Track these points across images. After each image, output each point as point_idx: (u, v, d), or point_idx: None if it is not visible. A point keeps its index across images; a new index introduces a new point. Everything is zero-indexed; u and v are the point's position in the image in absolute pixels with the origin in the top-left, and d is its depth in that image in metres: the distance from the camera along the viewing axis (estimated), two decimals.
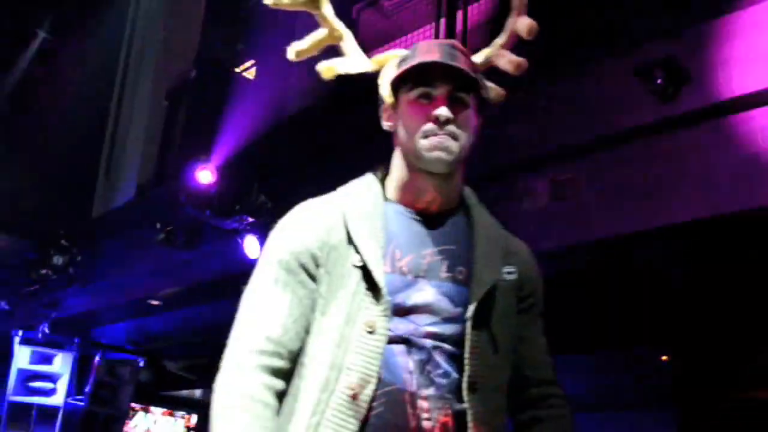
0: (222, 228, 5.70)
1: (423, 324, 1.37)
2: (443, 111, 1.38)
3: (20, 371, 7.77)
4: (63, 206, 7.98)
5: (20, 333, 7.89)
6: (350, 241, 1.39)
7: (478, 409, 1.34)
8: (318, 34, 1.62)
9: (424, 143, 1.40)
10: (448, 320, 1.38)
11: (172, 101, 7.91)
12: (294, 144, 5.65)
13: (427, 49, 1.45)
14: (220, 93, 7.31)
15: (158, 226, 6.12)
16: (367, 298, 1.35)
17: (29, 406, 7.71)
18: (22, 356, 7.80)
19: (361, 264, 1.37)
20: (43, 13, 7.80)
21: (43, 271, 7.63)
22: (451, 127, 1.39)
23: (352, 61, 1.61)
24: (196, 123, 7.47)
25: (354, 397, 1.30)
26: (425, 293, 1.38)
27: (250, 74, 7.16)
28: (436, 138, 1.39)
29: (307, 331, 1.39)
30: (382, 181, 1.51)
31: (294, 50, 1.62)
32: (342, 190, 1.50)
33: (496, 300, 1.42)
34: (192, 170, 5.45)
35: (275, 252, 1.43)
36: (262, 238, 5.44)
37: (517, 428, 1.51)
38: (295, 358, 1.38)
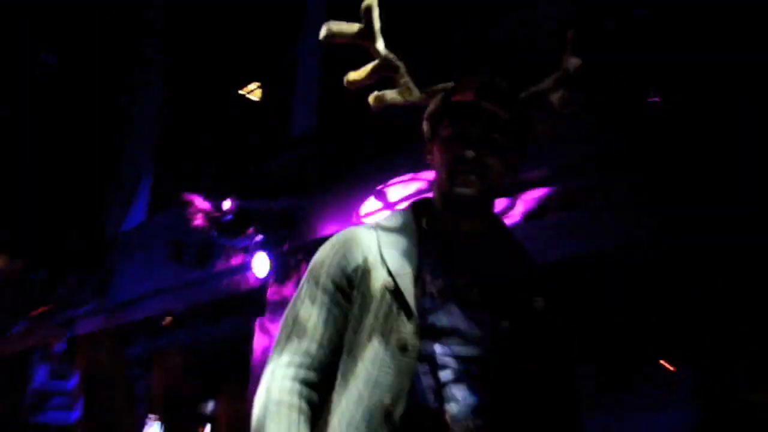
0: (232, 246, 5.66)
1: (451, 345, 1.38)
2: (470, 152, 1.41)
3: (38, 389, 7.74)
4: (78, 228, 7.95)
5: (38, 352, 7.87)
6: (384, 264, 1.42)
7: (501, 430, 1.36)
8: (372, 65, 1.63)
9: (451, 179, 1.43)
10: (475, 343, 1.39)
11: (181, 125, 7.89)
12: (303, 162, 5.62)
13: (465, 86, 1.47)
14: (226, 115, 7.29)
15: (169, 245, 6.09)
16: (399, 318, 1.38)
17: (46, 425, 7.68)
18: (40, 374, 7.78)
19: (392, 287, 1.40)
20: (50, 37, 7.78)
21: (59, 291, 7.60)
22: (479, 166, 1.42)
23: (402, 92, 1.63)
24: (206, 145, 7.45)
25: (388, 414, 1.32)
26: (454, 316, 1.40)
27: (256, 95, 7.13)
28: (463, 175, 1.42)
29: (340, 349, 1.42)
30: (424, 209, 1.55)
31: (348, 78, 1.63)
32: (383, 218, 1.55)
33: (526, 327, 1.43)
34: (202, 191, 5.41)
35: (315, 273, 1.49)
36: (272, 255, 5.42)
37: None
38: (329, 372, 1.41)
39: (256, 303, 5.58)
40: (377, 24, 1.59)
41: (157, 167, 7.91)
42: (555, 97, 1.59)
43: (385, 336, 1.37)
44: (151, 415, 8.56)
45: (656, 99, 3.34)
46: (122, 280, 7.42)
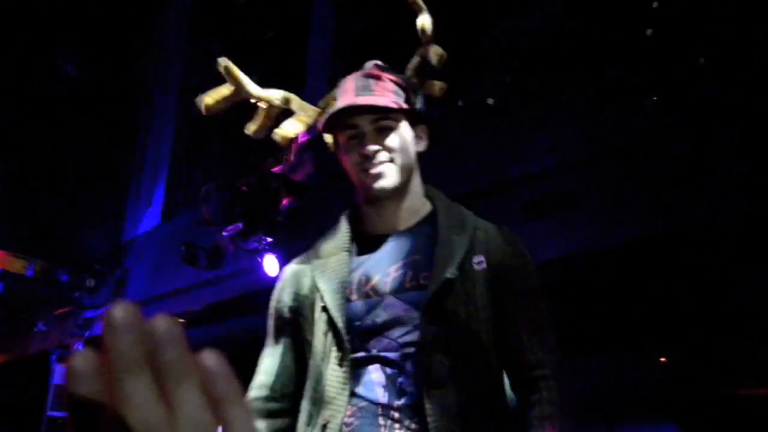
0: (242, 248, 5.70)
1: (395, 337, 1.36)
2: (368, 148, 1.41)
3: (57, 387, 7.79)
4: (95, 232, 8.01)
5: (56, 352, 7.92)
6: (317, 288, 1.45)
7: (444, 406, 1.27)
8: (262, 112, 1.61)
9: (364, 178, 1.44)
10: (418, 326, 1.35)
11: (195, 130, 7.95)
12: (312, 165, 5.66)
13: (345, 88, 1.46)
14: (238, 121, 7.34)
15: (182, 248, 6.14)
16: (333, 336, 1.39)
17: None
18: (58, 374, 7.83)
19: (323, 308, 1.42)
20: (68, 47, 7.85)
21: (77, 294, 7.66)
22: (383, 155, 1.41)
23: (300, 119, 1.61)
24: (217, 151, 7.50)
25: (325, 426, 1.32)
26: (393, 308, 1.38)
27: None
28: (372, 170, 1.42)
29: (303, 374, 1.45)
30: (355, 213, 1.55)
31: (249, 130, 1.63)
32: (320, 239, 1.56)
33: (463, 293, 1.36)
34: (210, 194, 5.46)
35: (270, 310, 1.57)
36: (281, 257, 5.47)
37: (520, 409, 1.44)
38: (294, 397, 1.45)
39: (266, 303, 5.61)
40: (243, 77, 1.56)
41: (172, 174, 7.97)
42: (431, 58, 1.59)
43: (326, 354, 1.38)
44: None
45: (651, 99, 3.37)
46: (137, 282, 7.48)
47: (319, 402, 1.35)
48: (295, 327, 1.49)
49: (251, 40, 7.82)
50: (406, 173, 1.45)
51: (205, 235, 5.99)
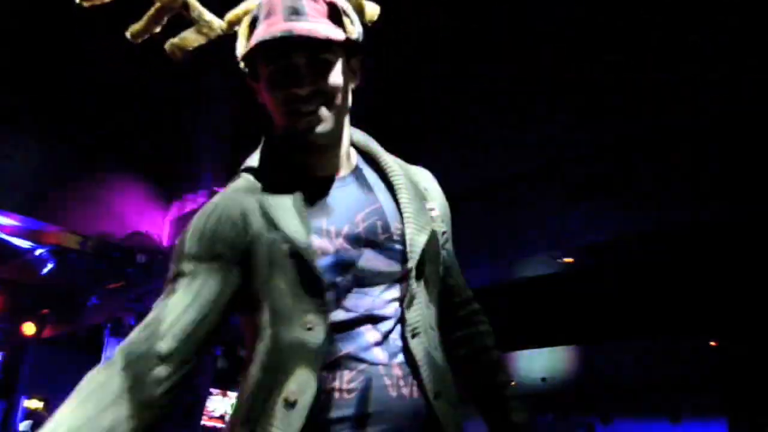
0: None
1: (380, 293, 1.20)
2: (304, 90, 1.16)
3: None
4: (146, 209, 8.18)
5: (109, 325, 8.13)
6: (275, 228, 1.16)
7: (437, 358, 1.22)
8: (153, 9, 1.34)
9: (294, 122, 1.19)
10: (399, 281, 1.22)
11: (245, 108, 8.01)
12: None
13: (269, 10, 1.18)
14: None
15: None
16: (305, 291, 1.14)
17: None
18: (111, 347, 8.03)
19: (294, 253, 1.14)
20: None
21: (129, 270, 7.83)
22: (319, 96, 1.18)
23: (200, 29, 1.35)
24: (264, 129, 7.55)
25: (292, 404, 1.10)
26: (373, 262, 1.21)
27: None
28: (305, 115, 1.18)
29: (223, 323, 1.17)
30: (279, 159, 1.28)
31: (131, 32, 1.36)
32: (248, 166, 1.29)
33: (432, 240, 1.26)
34: None
35: (186, 246, 1.19)
36: None
37: (453, 348, 1.39)
38: (189, 365, 1.12)
39: None
40: None
41: (220, 152, 8.07)
42: None
43: (291, 313, 1.14)
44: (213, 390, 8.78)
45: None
46: None
47: (275, 371, 1.12)
48: (234, 269, 1.15)
49: None
50: (342, 116, 1.23)
51: None
